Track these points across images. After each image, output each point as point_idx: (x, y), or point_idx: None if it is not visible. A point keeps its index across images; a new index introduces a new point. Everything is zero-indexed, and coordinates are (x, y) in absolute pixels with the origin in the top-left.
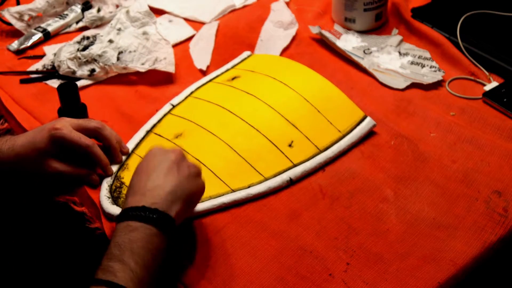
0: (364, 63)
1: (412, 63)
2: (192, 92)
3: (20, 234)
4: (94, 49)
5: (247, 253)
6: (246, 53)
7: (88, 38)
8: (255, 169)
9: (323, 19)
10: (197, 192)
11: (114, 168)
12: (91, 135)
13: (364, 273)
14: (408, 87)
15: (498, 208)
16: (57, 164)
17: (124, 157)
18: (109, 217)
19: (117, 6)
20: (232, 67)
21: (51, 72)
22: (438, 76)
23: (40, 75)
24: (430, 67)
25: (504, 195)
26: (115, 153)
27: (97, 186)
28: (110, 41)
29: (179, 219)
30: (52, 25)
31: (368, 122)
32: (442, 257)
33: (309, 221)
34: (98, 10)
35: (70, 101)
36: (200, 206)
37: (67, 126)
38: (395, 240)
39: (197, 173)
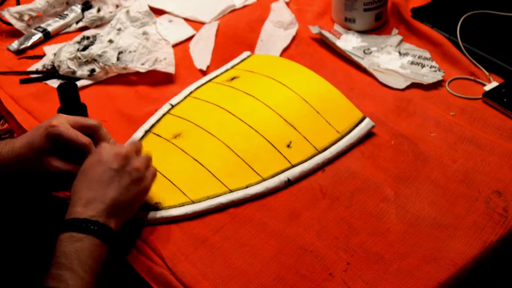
0: (364, 63)
1: (412, 63)
2: (191, 92)
3: (17, 231)
4: (94, 49)
5: (246, 253)
6: (245, 53)
7: (88, 38)
8: (253, 169)
9: (323, 19)
10: (137, 199)
11: None
12: (87, 133)
13: (364, 273)
14: (408, 87)
15: (498, 208)
16: (58, 163)
17: None
18: None
19: (117, 6)
20: (232, 67)
21: (51, 72)
22: (438, 76)
23: (40, 75)
24: (430, 67)
25: (504, 195)
26: None
27: None
28: (110, 41)
29: (117, 227)
30: (52, 25)
31: (367, 123)
32: (442, 257)
33: (309, 221)
34: (98, 10)
35: (70, 101)
36: (198, 206)
37: (63, 123)
38: (396, 239)
39: (139, 178)
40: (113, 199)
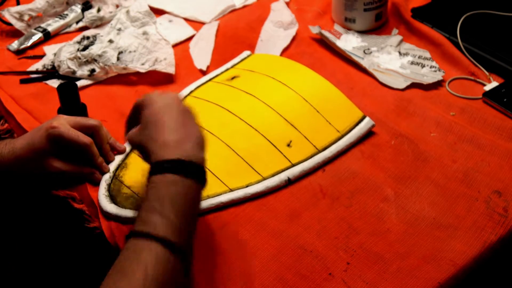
0: (364, 63)
1: (412, 63)
2: (191, 92)
3: (18, 230)
4: (94, 49)
5: (247, 252)
6: (245, 53)
7: (88, 38)
8: (253, 168)
9: (323, 19)
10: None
11: (112, 167)
12: (88, 133)
13: (364, 273)
14: (408, 87)
15: (498, 208)
16: (59, 164)
17: (122, 156)
18: (107, 215)
19: (117, 6)
20: (232, 66)
21: (51, 72)
22: (438, 76)
23: (40, 75)
24: (430, 67)
25: (504, 195)
26: (107, 154)
27: (98, 184)
28: (110, 41)
29: (204, 163)
30: (52, 25)
31: (367, 122)
32: (442, 257)
33: (309, 221)
34: (98, 10)
35: (70, 101)
36: None
37: (64, 124)
38: (395, 239)
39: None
40: (196, 137)
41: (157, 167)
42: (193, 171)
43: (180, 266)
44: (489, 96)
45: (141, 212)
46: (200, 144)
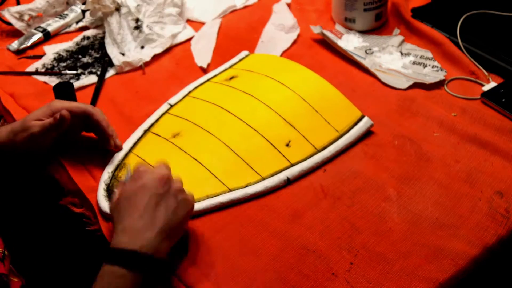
0: (366, 63)
1: (414, 63)
2: (190, 92)
3: (21, 234)
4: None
5: (248, 252)
6: (244, 53)
7: (88, 38)
8: (252, 168)
9: (324, 19)
10: (185, 219)
11: (111, 167)
12: (81, 119)
13: (368, 273)
14: (410, 87)
15: (500, 209)
16: (38, 121)
17: (121, 156)
18: (106, 216)
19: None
20: (230, 66)
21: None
22: (440, 76)
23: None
24: (432, 67)
25: (506, 196)
26: (111, 136)
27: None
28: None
29: (166, 253)
30: (52, 25)
31: (365, 122)
32: (444, 257)
33: (311, 221)
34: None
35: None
36: (198, 206)
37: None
38: (398, 239)
39: (184, 199)
40: (162, 227)
41: (110, 256)
42: (145, 265)
43: None
44: (487, 96)
45: None
46: (165, 232)
